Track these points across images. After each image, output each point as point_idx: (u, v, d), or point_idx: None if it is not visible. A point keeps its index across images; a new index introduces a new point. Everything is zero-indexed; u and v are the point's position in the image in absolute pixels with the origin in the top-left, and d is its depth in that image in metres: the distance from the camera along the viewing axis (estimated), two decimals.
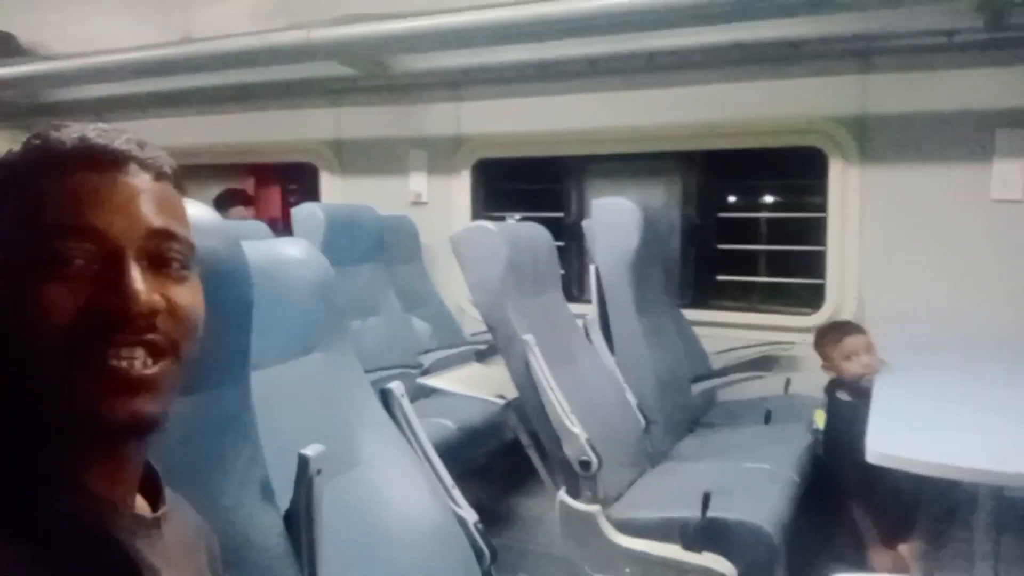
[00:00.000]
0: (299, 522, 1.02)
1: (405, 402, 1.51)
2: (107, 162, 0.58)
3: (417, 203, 3.85)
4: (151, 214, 0.58)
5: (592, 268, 2.58)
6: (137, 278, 0.55)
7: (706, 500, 1.80)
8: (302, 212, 3.09)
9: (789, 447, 2.41)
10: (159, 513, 0.64)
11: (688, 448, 2.54)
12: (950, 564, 2.25)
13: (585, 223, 2.81)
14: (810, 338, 2.87)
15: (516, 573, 2.43)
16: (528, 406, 2.09)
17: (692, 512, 1.83)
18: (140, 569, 0.57)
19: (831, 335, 2.69)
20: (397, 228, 3.57)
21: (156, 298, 0.56)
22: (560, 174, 3.71)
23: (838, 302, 3.02)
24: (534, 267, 2.24)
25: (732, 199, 3.48)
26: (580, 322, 2.50)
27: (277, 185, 4.93)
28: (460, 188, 3.77)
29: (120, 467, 0.60)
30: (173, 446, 0.94)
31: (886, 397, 2.06)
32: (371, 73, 3.69)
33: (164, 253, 0.58)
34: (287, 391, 1.25)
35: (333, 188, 4.08)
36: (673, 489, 2.09)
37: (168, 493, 0.68)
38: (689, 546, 1.81)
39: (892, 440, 1.69)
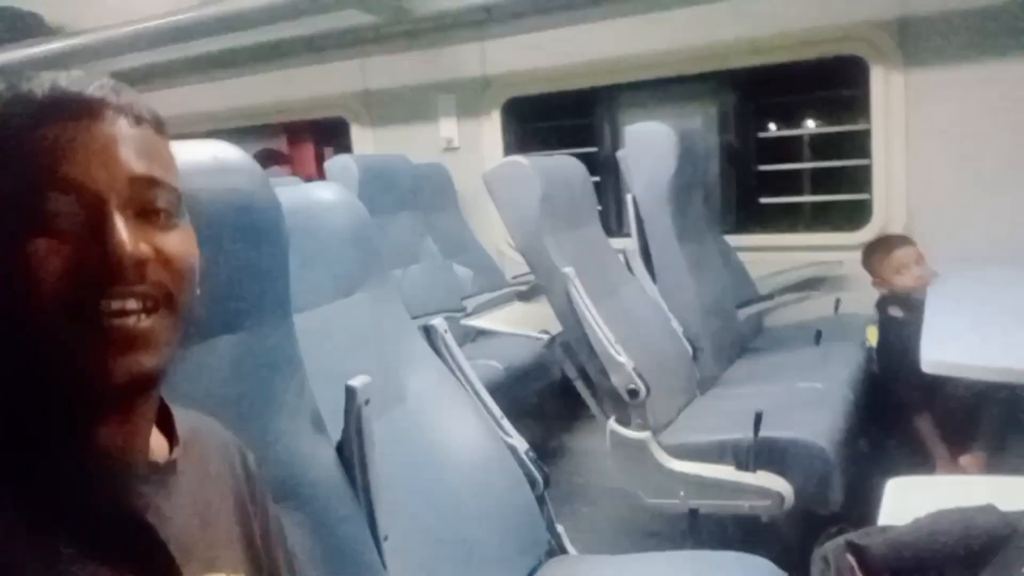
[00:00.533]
0: (352, 452, 1.04)
1: (449, 337, 1.52)
2: (81, 110, 0.55)
3: (449, 149, 3.82)
4: (131, 161, 0.55)
5: (629, 198, 2.53)
6: (121, 228, 0.53)
7: (758, 420, 1.79)
8: (336, 165, 3.09)
9: (841, 366, 2.37)
10: (173, 457, 0.63)
11: (737, 373, 2.52)
12: (1014, 473, 2.21)
13: (620, 153, 2.76)
14: (858, 256, 2.80)
15: (573, 504, 2.47)
16: (573, 339, 2.08)
17: (744, 433, 1.83)
18: (147, 519, 0.57)
19: (880, 250, 2.63)
20: (431, 175, 3.56)
21: (143, 247, 0.54)
22: (591, 108, 3.63)
23: (886, 217, 2.93)
24: (570, 200, 2.21)
25: (771, 118, 3.37)
26: (620, 255, 2.48)
27: (310, 142, 4.94)
28: (491, 131, 3.73)
29: (126, 421, 0.58)
30: (221, 384, 0.96)
31: (939, 307, 2.00)
32: (393, 19, 3.64)
33: (150, 201, 0.56)
34: (332, 331, 1.26)
35: (364, 140, 4.07)
36: (724, 412, 2.08)
37: (187, 427, 0.67)
38: (743, 466, 1.81)
39: (947, 348, 1.65)
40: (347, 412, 1.04)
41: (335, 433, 1.06)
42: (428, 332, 1.51)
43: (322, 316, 1.25)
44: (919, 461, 2.44)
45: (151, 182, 0.56)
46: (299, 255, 1.10)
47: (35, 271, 0.51)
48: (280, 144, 4.77)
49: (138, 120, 0.57)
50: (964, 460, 2.32)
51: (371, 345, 1.34)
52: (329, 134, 4.73)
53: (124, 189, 0.54)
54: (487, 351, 2.85)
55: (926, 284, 2.46)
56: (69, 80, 0.56)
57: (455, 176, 3.69)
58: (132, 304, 0.54)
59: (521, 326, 2.45)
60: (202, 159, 0.90)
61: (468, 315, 2.69)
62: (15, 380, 0.54)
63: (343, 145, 4.23)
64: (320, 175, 4.64)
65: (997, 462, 2.30)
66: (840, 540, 0.67)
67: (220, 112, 4.28)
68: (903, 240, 2.63)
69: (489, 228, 3.73)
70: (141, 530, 0.57)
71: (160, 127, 0.60)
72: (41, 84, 0.55)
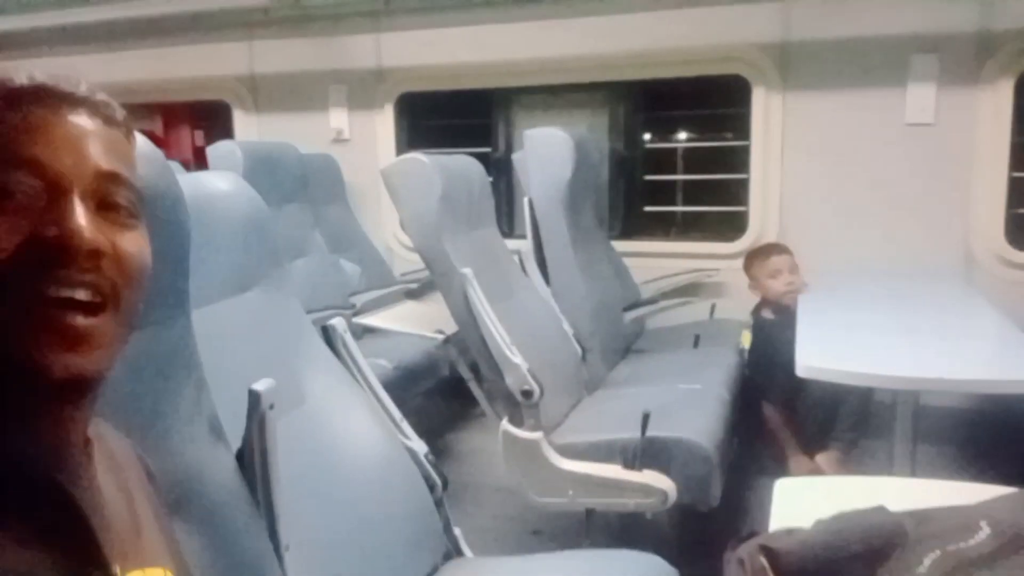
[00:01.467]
0: (253, 458, 1.00)
1: (348, 338, 1.49)
2: (59, 101, 0.56)
3: (338, 140, 3.73)
4: (100, 156, 0.56)
5: (526, 200, 2.57)
6: (82, 214, 0.54)
7: (645, 420, 1.85)
8: (218, 151, 2.95)
9: (718, 368, 2.49)
10: (88, 448, 0.62)
11: (622, 374, 2.61)
12: (865, 472, 2.40)
13: (516, 156, 2.78)
14: (734, 264, 2.97)
15: (461, 504, 2.47)
16: (468, 339, 2.09)
17: (631, 433, 1.89)
18: (77, 502, 0.56)
19: (759, 255, 2.80)
20: (319, 167, 3.46)
21: (100, 237, 0.54)
22: (487, 108, 3.65)
23: (760, 229, 3.12)
24: (469, 200, 2.21)
25: (658, 130, 3.50)
26: (515, 257, 2.50)
27: (187, 125, 4.68)
28: (384, 124, 3.67)
29: (61, 413, 0.57)
30: (113, 384, 0.90)
31: (811, 315, 2.15)
32: (285, 3, 3.51)
33: (111, 197, 0.57)
34: (228, 330, 1.21)
35: (248, 127, 3.91)
36: (611, 413, 2.15)
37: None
38: (629, 465, 1.86)
39: (819, 354, 1.77)
40: (250, 417, 1.00)
41: (234, 435, 1.02)
42: (327, 332, 1.47)
43: (217, 313, 1.19)
44: (782, 458, 2.62)
45: (116, 178, 0.57)
46: (194, 248, 1.04)
47: None
48: (155, 126, 4.49)
49: (109, 121, 0.59)
50: (820, 458, 2.51)
51: (269, 344, 1.29)
52: (208, 118, 4.50)
53: (90, 180, 0.55)
54: (375, 349, 2.79)
55: (797, 291, 2.64)
56: (47, 74, 0.58)
57: (344, 169, 3.60)
58: (80, 294, 0.53)
59: (414, 325, 2.44)
60: None
61: (358, 313, 2.64)
62: None
63: (223, 130, 4.03)
64: (197, 160, 4.42)
65: (850, 460, 2.50)
66: (753, 542, 0.71)
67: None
68: (781, 248, 2.81)
69: (379, 224, 3.68)
70: (70, 511, 0.55)
71: (130, 133, 0.62)
72: (19, 72, 0.57)
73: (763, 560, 0.68)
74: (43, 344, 0.52)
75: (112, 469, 0.65)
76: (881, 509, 0.75)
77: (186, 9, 3.59)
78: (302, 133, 3.56)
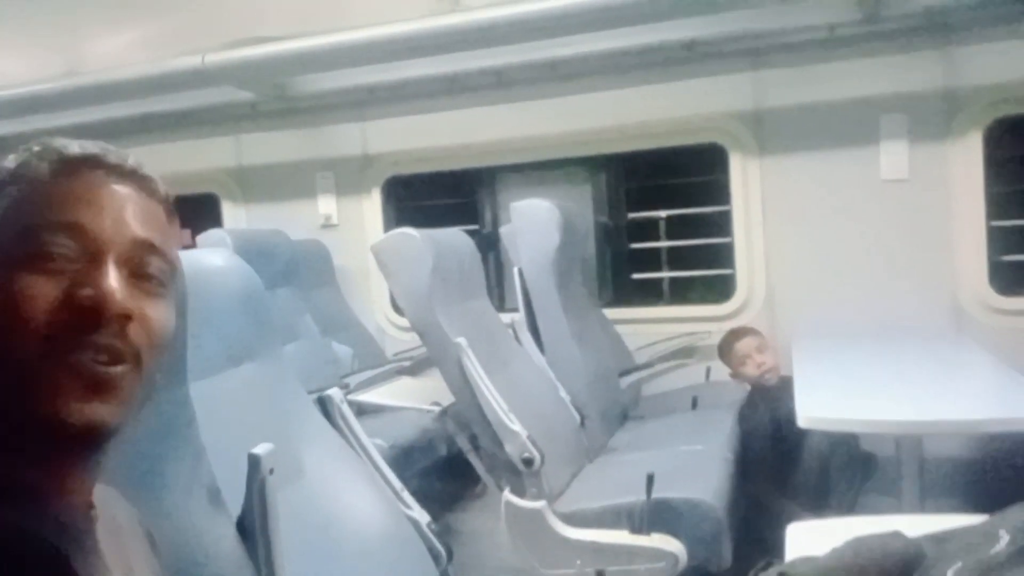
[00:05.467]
0: (253, 526, 0.98)
1: (345, 408, 1.48)
2: (106, 171, 0.60)
3: (327, 226, 3.78)
4: (137, 224, 0.59)
5: (516, 270, 2.59)
6: (115, 278, 0.56)
7: (650, 482, 1.82)
8: (209, 239, 2.97)
9: (718, 429, 2.47)
10: (92, 512, 0.62)
11: (623, 440, 2.58)
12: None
13: (503, 229, 2.83)
14: (725, 325, 2.98)
15: None
16: (466, 410, 2.07)
17: (636, 496, 1.86)
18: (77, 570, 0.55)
19: (725, 344, 2.81)
20: (309, 252, 3.50)
21: (131, 303, 0.57)
22: (472, 187, 3.72)
23: (748, 291, 3.14)
24: (459, 272, 2.23)
25: (641, 199, 3.57)
26: (508, 327, 2.51)
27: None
28: (371, 208, 3.73)
29: (73, 475, 0.58)
30: (114, 454, 0.89)
31: (806, 370, 2.15)
32: (271, 96, 3.62)
33: (145, 267, 0.59)
34: (225, 403, 1.19)
35: (236, 217, 3.95)
36: (615, 478, 2.11)
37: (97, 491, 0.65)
38: (637, 530, 1.83)
39: (819, 404, 1.77)
40: (249, 482, 0.98)
41: (234, 505, 0.99)
42: (323, 403, 1.46)
43: (214, 385, 1.18)
44: (781, 520, 2.55)
45: (151, 248, 0.60)
46: (191, 322, 1.05)
47: (26, 303, 0.54)
48: None
49: (152, 194, 0.62)
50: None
51: (265, 416, 1.27)
52: (197, 217, 4.54)
53: (125, 247, 0.58)
54: (371, 428, 2.68)
55: (769, 369, 2.63)
56: (99, 146, 0.61)
57: (334, 253, 3.64)
58: (104, 359, 0.55)
59: (409, 399, 2.41)
60: None
61: (352, 391, 2.61)
62: None
63: (213, 223, 4.07)
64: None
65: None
66: (772, 571, 0.69)
67: None
68: (743, 332, 2.81)
69: (369, 305, 3.69)
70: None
71: (170, 208, 0.65)
72: (71, 143, 0.61)
73: None
74: (65, 390, 0.54)
75: (115, 536, 0.64)
76: (897, 534, 0.74)
77: (175, 107, 3.68)
78: (290, 220, 3.60)
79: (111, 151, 0.61)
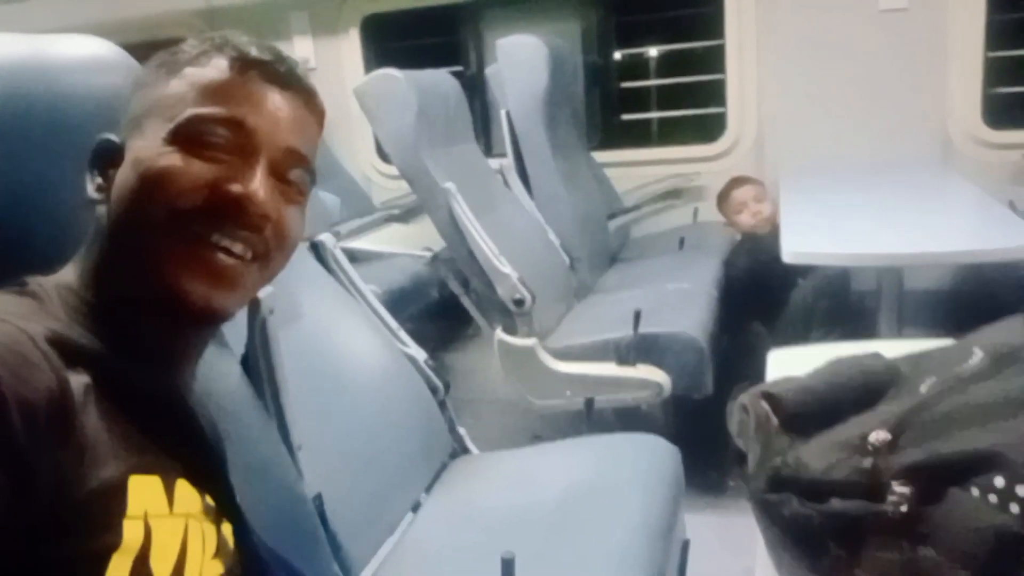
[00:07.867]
0: (257, 363, 1.01)
1: (338, 252, 1.49)
2: (276, 77, 0.63)
3: (305, 70, 3.63)
4: (293, 134, 0.63)
5: (503, 113, 2.53)
6: (263, 179, 0.60)
7: (637, 317, 1.89)
8: None
9: (704, 268, 2.52)
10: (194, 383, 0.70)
11: (610, 280, 2.63)
12: None
13: (489, 70, 2.74)
14: (714, 167, 2.97)
15: (460, 419, 2.52)
16: (456, 254, 2.09)
17: (624, 331, 1.92)
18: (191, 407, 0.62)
19: (722, 195, 2.78)
20: None
21: (272, 205, 0.60)
22: (455, 25, 3.55)
23: (739, 129, 3.10)
24: (446, 116, 2.18)
25: (631, 34, 3.44)
26: (497, 174, 2.48)
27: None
28: (350, 49, 3.58)
29: (187, 348, 0.65)
30: None
31: (793, 207, 2.17)
32: None
33: (290, 175, 0.63)
34: None
35: None
36: (603, 315, 2.18)
37: None
38: (624, 361, 1.91)
39: (803, 240, 1.80)
40: (250, 323, 1.00)
41: (236, 347, 1.03)
42: (316, 248, 1.47)
43: None
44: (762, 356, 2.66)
45: (300, 159, 0.64)
46: None
47: (173, 178, 0.57)
48: None
49: (312, 108, 0.66)
50: None
51: None
52: None
53: (278, 152, 0.62)
54: (362, 275, 2.68)
55: (766, 219, 2.63)
56: (275, 52, 0.65)
57: None
58: (238, 248, 0.60)
59: (400, 245, 2.43)
60: (77, 55, 0.83)
61: (343, 238, 2.62)
62: (118, 273, 0.59)
63: None
64: None
65: None
66: (755, 389, 0.74)
67: (41, 30, 3.83)
68: (741, 181, 2.78)
69: (354, 153, 3.62)
70: (186, 416, 0.61)
71: (322, 122, 0.69)
72: (250, 43, 0.64)
73: (765, 405, 0.71)
74: (191, 275, 0.58)
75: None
76: (876, 355, 0.78)
77: None
78: None
79: (288, 59, 0.65)
